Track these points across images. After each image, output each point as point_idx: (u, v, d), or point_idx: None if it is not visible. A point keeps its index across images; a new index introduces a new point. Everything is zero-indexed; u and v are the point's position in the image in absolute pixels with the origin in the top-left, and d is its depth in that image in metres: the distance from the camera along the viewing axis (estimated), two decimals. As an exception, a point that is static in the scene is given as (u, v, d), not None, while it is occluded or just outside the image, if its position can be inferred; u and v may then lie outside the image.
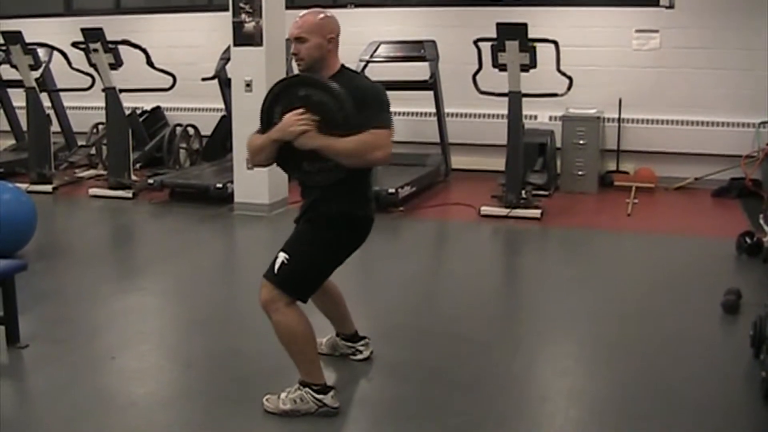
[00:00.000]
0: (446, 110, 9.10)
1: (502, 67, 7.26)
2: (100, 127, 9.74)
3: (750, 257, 5.91)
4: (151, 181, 8.27)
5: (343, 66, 3.44)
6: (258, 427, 3.37)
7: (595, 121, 8.69)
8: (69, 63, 8.96)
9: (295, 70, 3.53)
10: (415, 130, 9.22)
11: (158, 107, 10.54)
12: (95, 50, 8.23)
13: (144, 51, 8.38)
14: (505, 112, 7.52)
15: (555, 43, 7.14)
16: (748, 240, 5.99)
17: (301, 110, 3.23)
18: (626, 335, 4.46)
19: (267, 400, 3.47)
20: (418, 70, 8.64)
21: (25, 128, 9.24)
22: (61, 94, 9.85)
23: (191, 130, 10.01)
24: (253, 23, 7.24)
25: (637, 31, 8.87)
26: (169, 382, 3.95)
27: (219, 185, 7.91)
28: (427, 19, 9.60)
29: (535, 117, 8.98)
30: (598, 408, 3.62)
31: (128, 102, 8.79)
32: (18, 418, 3.47)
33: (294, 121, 3.22)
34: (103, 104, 8.52)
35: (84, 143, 10.13)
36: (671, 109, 8.80)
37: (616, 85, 8.93)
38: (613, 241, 6.86)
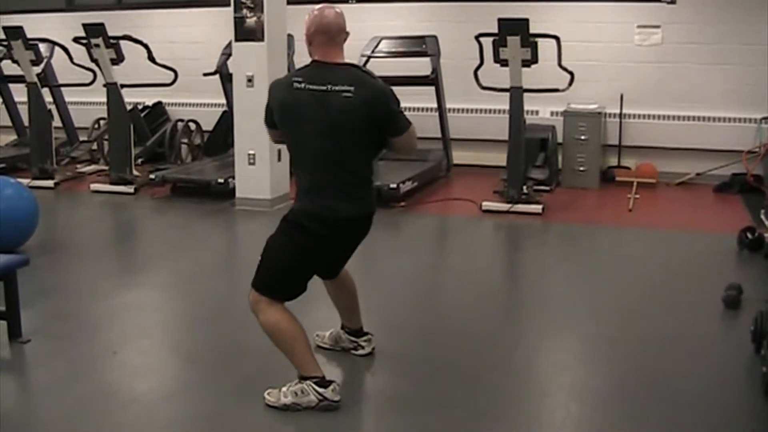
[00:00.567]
0: (448, 105, 9.11)
1: (504, 63, 7.25)
2: (102, 122, 9.75)
3: (751, 253, 5.91)
4: (152, 176, 8.27)
5: (352, 65, 3.54)
6: (259, 420, 3.38)
7: (596, 117, 8.69)
8: (70, 58, 8.96)
9: (295, 66, 3.55)
10: (416, 125, 9.17)
11: (160, 102, 10.54)
12: (97, 45, 8.23)
13: (145, 46, 8.39)
14: (507, 107, 7.52)
15: (556, 38, 7.13)
16: (749, 235, 5.99)
17: None
18: (627, 330, 4.46)
19: (268, 393, 3.48)
20: (420, 66, 8.64)
21: (26, 123, 9.24)
22: (63, 89, 9.86)
23: (193, 126, 10.00)
24: (254, 18, 7.23)
25: (639, 26, 8.86)
26: (170, 377, 3.96)
27: (220, 180, 7.92)
28: (428, 14, 9.60)
29: (537, 112, 9.00)
30: (599, 403, 3.63)
31: (130, 97, 8.79)
32: (19, 413, 3.48)
33: None
34: (104, 99, 8.52)
35: (86, 138, 10.15)
36: (673, 105, 8.79)
37: (617, 80, 8.92)
38: (615, 236, 6.86)
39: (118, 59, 8.36)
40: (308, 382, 3.42)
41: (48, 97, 9.36)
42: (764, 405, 3.44)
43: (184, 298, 5.23)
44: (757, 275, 5.38)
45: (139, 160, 9.29)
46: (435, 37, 8.72)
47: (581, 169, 8.65)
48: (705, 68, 8.65)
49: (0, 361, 4.08)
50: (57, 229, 7.16)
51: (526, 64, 7.18)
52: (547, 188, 8.22)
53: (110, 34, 8.24)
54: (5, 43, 8.80)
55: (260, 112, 3.60)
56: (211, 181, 8.01)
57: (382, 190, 7.29)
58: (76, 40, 8.54)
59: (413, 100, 8.94)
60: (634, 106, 8.91)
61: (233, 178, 7.76)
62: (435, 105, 8.96)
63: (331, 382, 3.46)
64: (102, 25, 8.22)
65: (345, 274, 3.90)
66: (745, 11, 8.45)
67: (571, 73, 7.16)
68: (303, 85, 3.37)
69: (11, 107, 10.28)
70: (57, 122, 9.56)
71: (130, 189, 8.28)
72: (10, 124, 10.37)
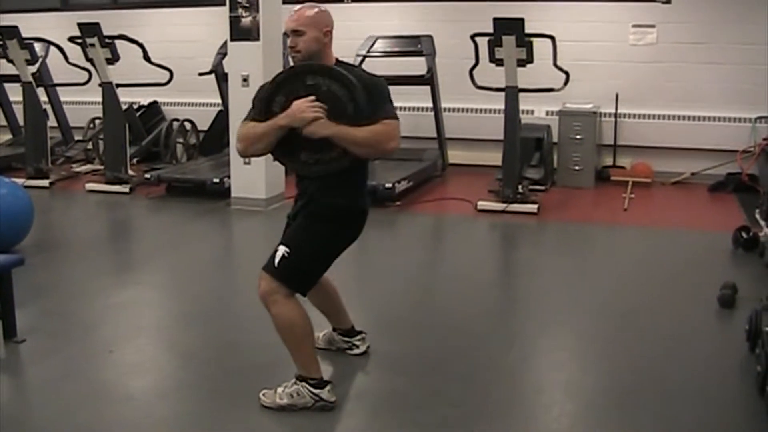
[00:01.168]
0: (443, 105, 9.12)
1: (499, 62, 7.25)
2: (97, 121, 9.76)
3: (746, 252, 5.93)
4: (148, 175, 8.27)
5: (338, 60, 3.46)
6: (255, 421, 3.38)
7: (591, 116, 8.70)
8: (66, 58, 8.94)
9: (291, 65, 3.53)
10: (412, 124, 9.22)
11: (155, 102, 10.54)
12: (92, 45, 8.22)
13: (141, 46, 8.38)
14: (502, 106, 7.52)
15: (552, 38, 7.14)
16: (744, 234, 6.01)
17: (311, 97, 3.22)
18: (622, 329, 4.48)
19: (264, 394, 3.47)
20: (415, 65, 8.64)
21: (21, 123, 9.23)
22: (58, 88, 9.84)
23: (188, 125, 9.99)
24: (249, 18, 7.23)
25: (634, 25, 8.88)
26: (166, 375, 3.96)
27: (216, 180, 7.91)
28: (424, 13, 9.60)
29: (532, 112, 9.00)
30: (594, 400, 3.63)
31: (125, 97, 8.79)
32: (15, 412, 3.48)
33: (306, 108, 3.20)
34: (99, 99, 8.52)
35: (81, 138, 10.13)
36: (668, 104, 8.81)
37: (612, 79, 8.94)
38: (610, 235, 6.87)
39: (113, 59, 8.35)
40: (304, 383, 3.42)
41: (43, 97, 9.33)
42: (759, 403, 3.45)
43: (179, 296, 5.23)
44: (752, 274, 5.40)
45: (135, 160, 9.27)
46: (430, 36, 8.72)
47: (576, 168, 8.66)
48: (700, 68, 8.67)
49: (-5, 360, 4.08)
50: (52, 228, 7.15)
51: (522, 63, 7.18)
52: (542, 188, 8.23)
53: (105, 33, 8.23)
54: (0, 42, 8.78)
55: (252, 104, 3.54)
56: (206, 181, 8.01)
57: (378, 189, 7.29)
58: (71, 39, 8.52)
59: (409, 100, 8.98)
60: (629, 106, 8.92)
61: (228, 177, 7.76)
62: (430, 104, 8.98)
63: (327, 382, 3.46)
64: (97, 24, 8.21)
65: (324, 278, 3.81)
66: (740, 11, 8.46)
67: (567, 73, 7.17)
68: None
69: (6, 107, 10.28)
70: (52, 122, 9.56)
71: (126, 188, 8.27)
72: (5, 123, 10.37)
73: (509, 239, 7.08)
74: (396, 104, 3.45)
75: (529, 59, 7.16)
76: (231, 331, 4.41)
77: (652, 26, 8.80)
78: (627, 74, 8.92)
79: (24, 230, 5.97)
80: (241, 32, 7.30)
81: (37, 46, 9.12)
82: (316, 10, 3.37)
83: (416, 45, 8.73)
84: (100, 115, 8.82)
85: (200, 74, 9.23)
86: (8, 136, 10.46)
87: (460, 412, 3.44)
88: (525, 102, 7.77)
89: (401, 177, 7.81)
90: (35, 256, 5.68)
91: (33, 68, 8.92)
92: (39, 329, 4.37)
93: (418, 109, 9.27)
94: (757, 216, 6.25)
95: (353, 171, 3.38)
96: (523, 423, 3.43)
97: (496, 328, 4.55)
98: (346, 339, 4.05)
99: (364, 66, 8.19)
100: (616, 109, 8.94)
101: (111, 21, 9.20)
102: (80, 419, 3.39)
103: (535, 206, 7.34)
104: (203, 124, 9.92)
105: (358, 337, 4.05)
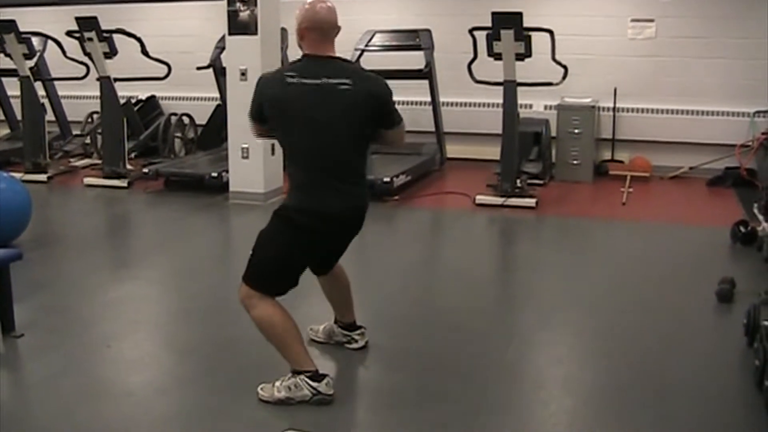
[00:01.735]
0: (441, 99, 9.11)
1: (498, 56, 7.25)
2: (95, 116, 9.74)
3: (744, 246, 5.94)
4: (146, 170, 8.26)
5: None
6: (253, 415, 3.38)
7: (590, 110, 8.70)
8: (63, 52, 8.93)
9: (289, 59, 3.54)
10: (410, 119, 9.13)
11: (153, 96, 10.52)
12: (90, 39, 8.21)
13: (139, 40, 8.37)
14: (501, 101, 7.51)
15: (550, 32, 7.14)
16: (742, 229, 6.01)
17: None
18: (620, 324, 4.48)
19: (262, 388, 3.48)
20: (414, 59, 8.63)
21: (19, 117, 9.22)
22: (56, 83, 9.83)
23: (186, 119, 9.99)
24: (248, 12, 7.22)
25: (633, 20, 8.87)
26: (164, 370, 3.96)
27: (214, 174, 7.91)
28: (422, 7, 9.59)
29: (531, 106, 9.00)
30: (592, 396, 3.64)
31: (123, 91, 8.78)
32: (14, 408, 3.48)
33: None
34: (97, 93, 8.50)
35: (79, 132, 10.12)
36: (666, 99, 8.81)
37: (611, 74, 8.94)
38: (608, 230, 6.87)
39: (111, 53, 8.34)
40: (301, 376, 3.42)
41: (41, 91, 9.32)
42: (757, 398, 3.45)
43: (177, 291, 5.23)
44: (750, 269, 5.40)
45: (133, 154, 9.27)
46: (429, 30, 8.71)
47: (575, 162, 8.66)
48: (698, 62, 8.67)
49: (-7, 355, 4.08)
50: (50, 223, 7.14)
51: (520, 57, 7.18)
52: (540, 182, 8.23)
53: (103, 27, 8.22)
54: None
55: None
56: (204, 175, 8.00)
57: (376, 183, 7.29)
58: (69, 33, 8.52)
59: (407, 94, 8.97)
60: (627, 100, 8.92)
61: (227, 171, 7.75)
62: (429, 99, 8.97)
63: (324, 375, 3.46)
64: (95, 18, 8.20)
65: (338, 270, 3.91)
66: (738, 5, 8.47)
67: (565, 67, 7.16)
68: (296, 79, 3.32)
69: (4, 101, 10.26)
70: (50, 116, 9.54)
71: (124, 183, 8.27)
72: (2, 118, 10.35)
73: (507, 234, 7.08)
74: (394, 98, 3.48)
75: (528, 53, 7.15)
76: (229, 326, 4.41)
77: (651, 20, 8.80)
78: (625, 68, 8.92)
79: (22, 225, 5.97)
80: (239, 26, 7.29)
81: (35, 41, 9.10)
82: (328, 5, 3.45)
83: (414, 39, 8.72)
84: (98, 109, 8.81)
85: (198, 68, 9.22)
86: (6, 131, 10.45)
87: (459, 407, 3.44)
88: (523, 96, 7.77)
89: (399, 171, 7.81)
90: (33, 251, 5.68)
91: (31, 62, 8.91)
92: (37, 324, 4.37)
93: (416, 103, 9.26)
94: (756, 210, 6.25)
95: (294, 171, 3.44)
96: (522, 418, 3.43)
97: (495, 324, 4.55)
98: (346, 333, 4.05)
99: (362, 60, 8.26)
100: (615, 103, 8.94)
101: (109, 15, 9.16)
102: (78, 414, 3.39)
103: (534, 200, 7.34)
104: (201, 119, 9.91)
105: (358, 332, 4.05)
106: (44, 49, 9.40)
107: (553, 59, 7.16)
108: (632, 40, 8.90)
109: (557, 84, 7.29)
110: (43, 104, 9.03)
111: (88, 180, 8.46)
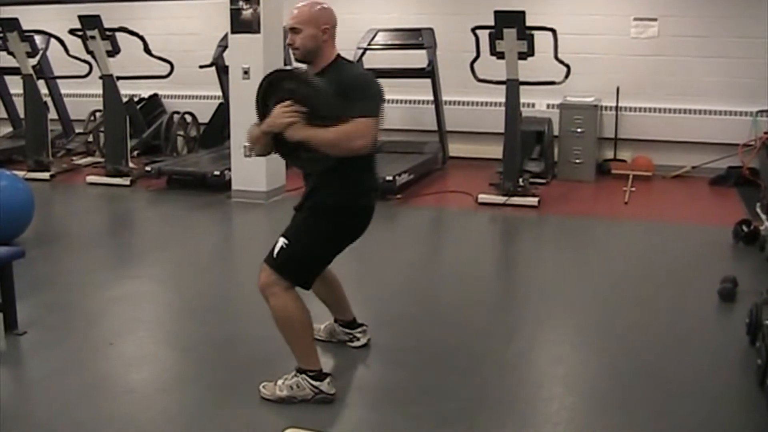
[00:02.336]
0: (444, 98, 9.10)
1: (500, 55, 7.25)
2: (98, 114, 9.75)
3: (747, 245, 5.93)
4: (148, 168, 8.27)
5: (338, 56, 3.44)
6: (255, 413, 3.38)
7: (592, 109, 8.70)
8: (66, 50, 8.94)
9: (291, 58, 3.53)
10: (412, 117, 9.23)
11: (156, 94, 10.53)
12: (92, 37, 8.21)
13: (141, 38, 8.37)
14: (503, 99, 7.52)
15: (553, 30, 7.13)
16: (744, 228, 6.01)
17: (288, 102, 3.26)
18: (622, 322, 4.48)
19: (263, 387, 3.48)
20: (416, 58, 8.63)
21: (22, 115, 9.23)
22: (59, 81, 9.85)
23: (189, 118, 9.99)
24: (250, 10, 7.22)
25: (636, 19, 8.87)
26: (166, 368, 3.96)
27: (216, 173, 7.92)
28: (425, 6, 9.58)
29: (533, 105, 8.99)
30: (594, 394, 3.64)
31: (125, 89, 8.78)
32: (16, 405, 3.48)
33: (281, 113, 3.25)
34: (100, 91, 8.52)
35: (81, 130, 10.13)
36: (669, 98, 8.80)
37: (614, 73, 8.93)
38: (610, 229, 6.87)
39: (113, 51, 8.36)
40: (304, 375, 3.42)
41: (44, 89, 9.34)
42: (759, 396, 3.45)
43: (179, 289, 5.23)
44: (753, 268, 5.40)
45: (135, 152, 9.29)
46: (431, 29, 8.71)
47: (577, 161, 8.65)
48: (701, 61, 8.66)
49: (-4, 352, 4.09)
50: (53, 221, 7.16)
51: (523, 56, 7.18)
52: (542, 181, 8.23)
53: (106, 25, 8.23)
54: (1, 34, 8.78)
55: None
56: (206, 174, 8.01)
57: (378, 182, 7.27)
58: (71, 31, 8.52)
59: (409, 93, 8.98)
60: (630, 99, 8.92)
61: (229, 170, 7.76)
62: (431, 97, 8.96)
63: (327, 375, 3.46)
64: (98, 16, 8.21)
65: (327, 270, 3.86)
66: (741, 5, 8.46)
67: (568, 66, 7.16)
68: None
69: (7, 99, 10.28)
70: (53, 114, 9.56)
71: (126, 181, 8.28)
72: (5, 116, 10.37)
73: (510, 232, 7.08)
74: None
75: (530, 52, 7.15)
76: (231, 324, 4.42)
77: (654, 20, 8.79)
78: (628, 67, 8.91)
79: (25, 223, 5.97)
80: (241, 25, 7.29)
81: (38, 39, 9.13)
82: (317, 7, 3.36)
83: (417, 38, 8.72)
84: (101, 107, 8.82)
85: (201, 67, 9.23)
86: (9, 129, 10.47)
87: (460, 405, 3.44)
88: (526, 95, 7.76)
89: (402, 170, 7.80)
90: (36, 249, 5.69)
91: (33, 61, 8.94)
92: (39, 322, 4.38)
93: (418, 102, 9.26)
94: (758, 210, 6.25)
95: (347, 167, 3.33)
96: (523, 416, 3.43)
97: (497, 322, 4.55)
98: (348, 330, 4.05)
99: (365, 59, 8.26)
100: (617, 102, 8.93)
101: (111, 13, 9.18)
102: (80, 412, 3.39)
103: (536, 199, 7.34)
104: (204, 117, 9.91)
105: (360, 329, 4.06)
106: (47, 48, 9.41)
107: (556, 58, 7.15)
108: (635, 39, 8.89)
109: (560, 83, 7.28)
110: (45, 102, 9.05)
111: (90, 178, 8.46)
